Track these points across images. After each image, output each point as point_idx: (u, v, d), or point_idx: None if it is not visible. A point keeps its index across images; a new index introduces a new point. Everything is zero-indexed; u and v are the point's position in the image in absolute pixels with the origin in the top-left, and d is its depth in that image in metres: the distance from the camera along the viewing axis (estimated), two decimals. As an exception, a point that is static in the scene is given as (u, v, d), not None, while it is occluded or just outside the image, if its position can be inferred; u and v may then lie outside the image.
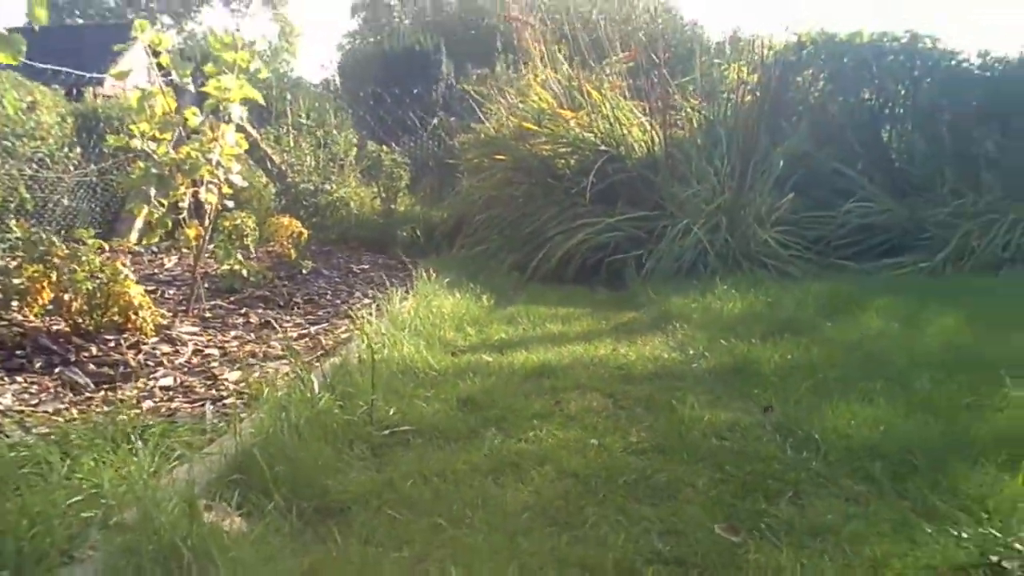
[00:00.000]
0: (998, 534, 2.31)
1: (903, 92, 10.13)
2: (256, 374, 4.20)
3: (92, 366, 4.31)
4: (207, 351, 4.72)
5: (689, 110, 9.72)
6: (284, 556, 2.17)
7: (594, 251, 7.96)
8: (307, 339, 5.17)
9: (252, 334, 5.27)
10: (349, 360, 4.00)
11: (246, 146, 6.03)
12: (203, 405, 3.69)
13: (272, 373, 4.21)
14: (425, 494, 2.64)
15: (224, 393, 3.90)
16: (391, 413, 3.37)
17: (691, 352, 4.69)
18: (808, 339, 4.86)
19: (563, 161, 8.72)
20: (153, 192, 5.56)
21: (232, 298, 6.39)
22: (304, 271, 7.45)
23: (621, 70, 9.76)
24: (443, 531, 2.37)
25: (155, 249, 8.01)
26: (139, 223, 7.99)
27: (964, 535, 2.33)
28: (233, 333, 5.27)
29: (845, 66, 10.34)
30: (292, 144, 8.99)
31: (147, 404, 3.73)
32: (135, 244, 7.53)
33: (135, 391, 3.92)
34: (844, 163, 9.30)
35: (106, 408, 3.59)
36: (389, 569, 2.14)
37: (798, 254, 8.12)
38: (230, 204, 6.00)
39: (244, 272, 6.60)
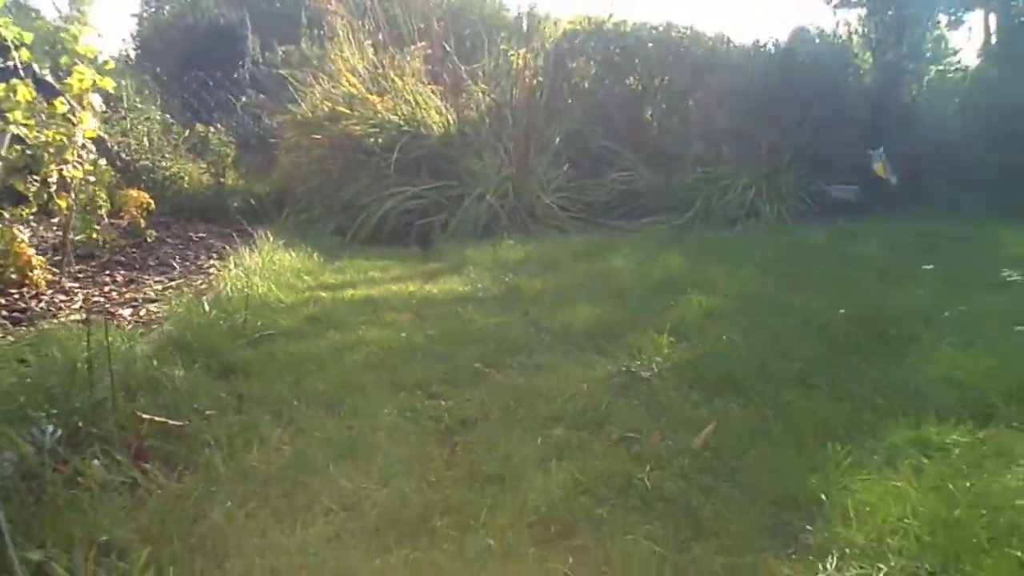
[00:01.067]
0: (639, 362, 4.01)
1: (658, 80, 12.06)
2: (143, 311, 5.46)
3: (3, 313, 5.43)
4: (95, 299, 5.90)
5: (480, 94, 11.30)
6: (208, 387, 3.57)
7: (404, 215, 9.41)
8: (172, 290, 6.41)
9: (124, 288, 6.45)
10: (219, 295, 5.33)
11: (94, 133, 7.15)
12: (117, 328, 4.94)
13: (155, 310, 5.47)
14: (293, 361, 4.09)
15: (127, 323, 5.15)
16: (259, 324, 4.76)
17: (479, 286, 6.25)
18: (563, 274, 6.56)
19: (372, 140, 10.09)
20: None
21: (93, 263, 7.47)
22: (149, 239, 8.54)
23: (419, 56, 11.19)
24: (309, 373, 3.83)
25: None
26: None
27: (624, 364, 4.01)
28: (107, 288, 6.43)
29: (612, 53, 12.18)
30: (129, 126, 9.92)
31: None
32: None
33: (50, 325, 5.11)
34: (611, 139, 11.16)
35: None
36: (277, 386, 3.59)
37: (575, 215, 9.87)
38: (92, 179, 7.09)
39: (100, 240, 7.67)
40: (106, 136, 10.18)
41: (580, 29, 12.40)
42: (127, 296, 6.03)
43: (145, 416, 2.90)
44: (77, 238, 7.96)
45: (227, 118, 13.44)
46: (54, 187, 6.76)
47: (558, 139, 10.67)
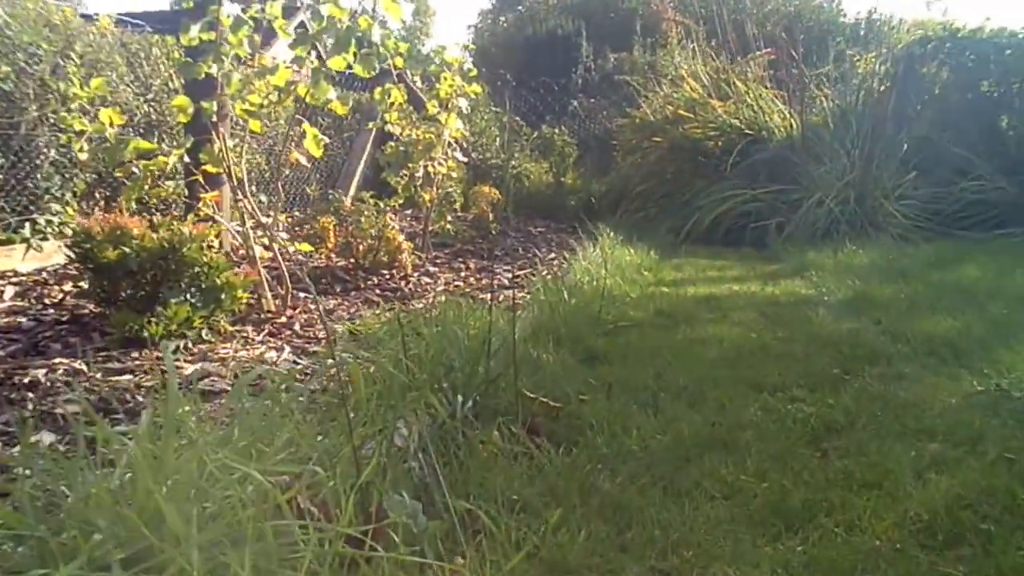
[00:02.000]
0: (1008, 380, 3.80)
1: (1017, 85, 11.12)
2: (501, 296, 5.90)
3: (378, 291, 6.07)
4: (454, 284, 6.44)
5: (822, 99, 11.02)
6: (576, 371, 3.82)
7: (739, 217, 9.41)
8: (521, 279, 6.85)
9: (478, 274, 6.99)
10: (572, 286, 5.65)
11: (465, 132, 7.76)
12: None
13: (510, 295, 5.89)
14: (649, 352, 4.26)
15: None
16: (612, 316, 4.99)
17: (823, 289, 6.15)
18: (913, 281, 6.28)
19: (712, 143, 10.17)
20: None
21: (446, 250, 8.14)
22: (493, 231, 9.16)
23: (762, 62, 11.11)
24: (668, 365, 3.99)
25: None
26: (355, 182, 9.91)
27: (993, 380, 3.81)
28: (463, 273, 6.99)
29: (966, 59, 11.41)
30: (484, 127, 10.71)
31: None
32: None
33: (422, 303, 5.66)
34: (962, 148, 10.44)
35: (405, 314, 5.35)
36: (640, 375, 3.78)
37: (918, 224, 9.37)
38: (454, 174, 7.73)
39: (452, 230, 8.35)
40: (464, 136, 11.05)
41: (932, 35, 11.71)
42: (483, 283, 6.53)
43: (532, 396, 3.17)
44: (432, 228, 8.74)
45: (566, 120, 14.04)
46: (419, 181, 7.46)
47: (905, 146, 10.14)
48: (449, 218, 8.52)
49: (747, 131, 10.12)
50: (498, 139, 10.57)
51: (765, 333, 4.77)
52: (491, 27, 24.78)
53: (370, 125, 7.65)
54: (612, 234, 8.20)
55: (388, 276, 6.48)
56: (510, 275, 7.02)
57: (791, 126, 10.22)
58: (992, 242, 8.92)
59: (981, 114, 11.12)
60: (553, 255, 8.22)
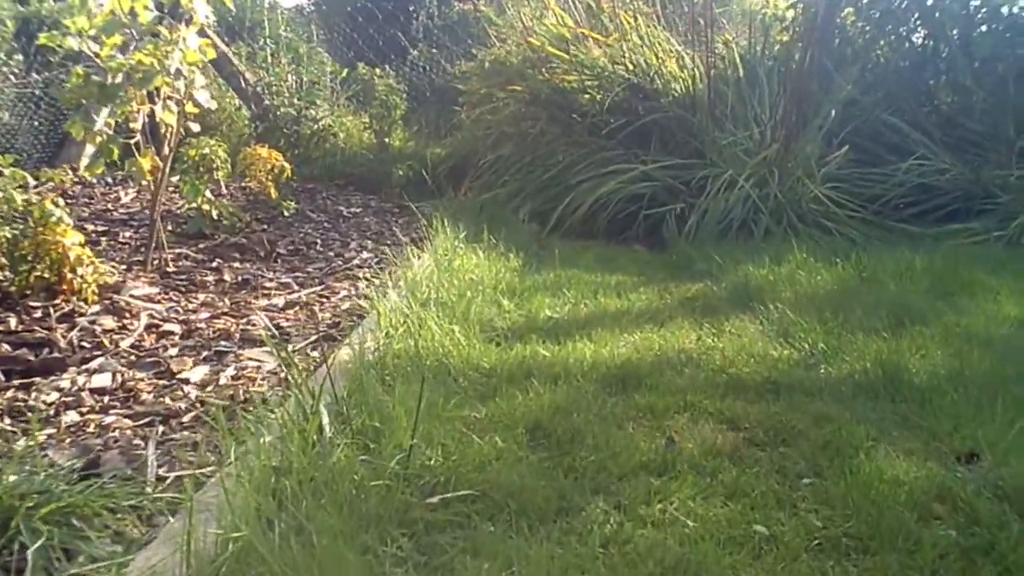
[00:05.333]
0: None
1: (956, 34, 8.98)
2: (230, 371, 3.05)
3: (6, 347, 3.13)
4: (165, 327, 3.54)
5: (722, 45, 8.53)
6: None
7: (627, 202, 6.82)
8: (298, 308, 4.01)
9: (226, 298, 4.09)
10: (361, 354, 2.84)
11: (213, 55, 4.79)
12: (149, 425, 2.55)
13: (253, 372, 3.06)
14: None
15: (182, 406, 2.73)
16: (433, 461, 2.24)
17: (805, 347, 3.59)
18: (938, 331, 3.81)
19: (588, 96, 7.52)
20: (105, 111, 4.42)
21: (201, 245, 5.24)
22: (286, 213, 6.27)
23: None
24: None
25: (108, 180, 6.79)
26: (90, 147, 6.72)
27: None
28: (201, 297, 4.09)
29: (894, 6, 9.19)
30: (270, 60, 7.69)
31: (68, 417, 2.58)
32: (85, 173, 6.27)
33: (57, 394, 2.76)
34: (897, 115, 8.20)
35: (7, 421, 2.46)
36: None
37: (853, 214, 7.04)
38: (195, 128, 4.76)
39: (215, 213, 5.44)
40: (244, 71, 7.98)
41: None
42: (218, 326, 3.64)
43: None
44: (185, 209, 5.78)
45: (405, 72, 11.06)
46: (136, 136, 4.47)
47: (833, 112, 7.78)
48: (209, 194, 5.59)
49: (636, 81, 7.50)
50: (291, 77, 7.60)
51: (781, 517, 2.13)
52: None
53: (42, 39, 4.58)
54: (454, 223, 5.45)
55: (43, 313, 3.53)
56: (282, 300, 4.18)
57: (692, 78, 7.66)
58: (952, 241, 6.66)
59: (910, 73, 8.95)
60: (366, 256, 5.41)
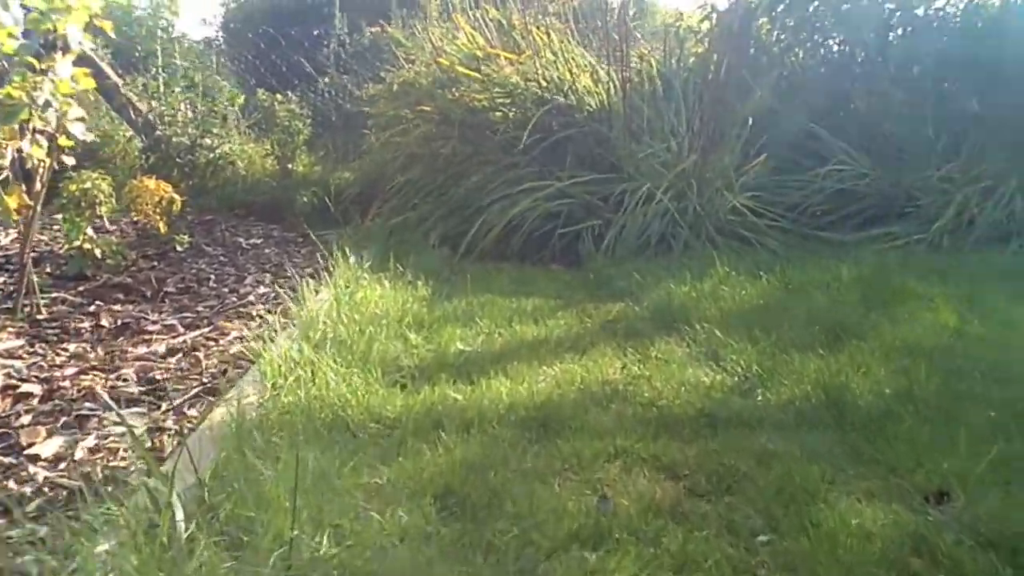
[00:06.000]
0: None
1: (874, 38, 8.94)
2: (90, 440, 2.63)
3: None
4: (24, 387, 3.09)
5: (637, 59, 8.33)
6: None
7: (543, 221, 6.53)
8: (181, 356, 3.59)
9: (100, 348, 3.66)
10: (241, 414, 2.46)
11: (90, 84, 4.35)
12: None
13: (116, 442, 2.64)
14: None
15: (26, 490, 2.31)
16: (323, 551, 1.86)
17: (738, 370, 3.31)
18: (877, 346, 3.57)
19: (500, 113, 7.22)
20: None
21: (81, 287, 4.78)
22: (179, 247, 5.83)
23: (561, 11, 8.32)
24: None
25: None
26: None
27: None
28: (72, 348, 3.64)
29: (809, 13, 9.13)
30: (162, 89, 7.24)
31: None
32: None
33: None
34: (816, 122, 8.08)
35: None
36: None
37: (773, 223, 6.87)
38: (70, 161, 4.33)
39: (97, 252, 4.99)
40: (135, 101, 7.51)
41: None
42: (85, 383, 3.21)
43: None
44: (66, 249, 5.31)
45: (313, 99, 10.62)
46: (4, 173, 4.02)
47: (751, 120, 7.60)
48: (91, 232, 5.15)
49: (549, 98, 7.23)
50: (184, 106, 7.14)
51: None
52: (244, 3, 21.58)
53: None
54: (358, 251, 5.07)
55: None
56: (164, 347, 3.75)
57: (607, 92, 7.43)
58: (874, 246, 6.52)
59: (828, 79, 8.86)
60: (263, 291, 5.00)
